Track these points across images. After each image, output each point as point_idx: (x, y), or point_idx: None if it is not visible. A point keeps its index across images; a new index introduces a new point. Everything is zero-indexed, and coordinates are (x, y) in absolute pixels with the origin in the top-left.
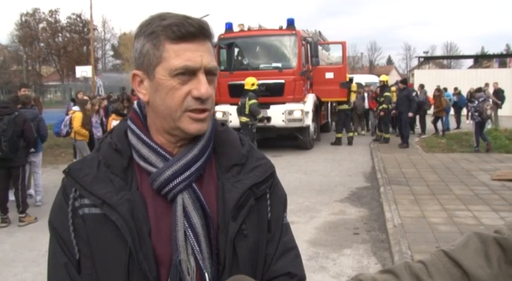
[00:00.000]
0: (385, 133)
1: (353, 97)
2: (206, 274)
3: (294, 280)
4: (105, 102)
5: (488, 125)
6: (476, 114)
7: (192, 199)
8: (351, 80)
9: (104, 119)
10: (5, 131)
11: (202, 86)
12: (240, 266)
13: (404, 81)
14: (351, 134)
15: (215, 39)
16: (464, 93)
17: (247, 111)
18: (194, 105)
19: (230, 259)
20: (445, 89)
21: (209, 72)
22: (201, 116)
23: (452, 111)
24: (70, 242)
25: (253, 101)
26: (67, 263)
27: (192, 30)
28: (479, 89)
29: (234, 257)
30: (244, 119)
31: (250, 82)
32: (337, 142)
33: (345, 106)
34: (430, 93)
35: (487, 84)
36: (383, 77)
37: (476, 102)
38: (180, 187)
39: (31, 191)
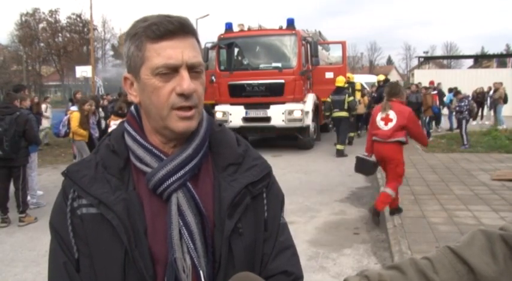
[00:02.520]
0: None
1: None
2: (201, 272)
3: (290, 278)
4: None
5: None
6: (466, 113)
7: (186, 198)
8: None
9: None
10: (6, 130)
11: (184, 82)
12: (236, 264)
13: (386, 80)
14: (351, 134)
15: (197, 34)
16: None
17: (346, 107)
18: (179, 103)
19: (226, 257)
20: (451, 90)
21: (192, 68)
22: (187, 114)
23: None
24: (69, 242)
25: (352, 97)
26: (66, 262)
27: (170, 28)
28: (458, 92)
29: (229, 255)
30: (344, 113)
31: (343, 80)
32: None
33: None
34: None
35: (500, 83)
36: (380, 77)
37: (466, 101)
38: (175, 186)
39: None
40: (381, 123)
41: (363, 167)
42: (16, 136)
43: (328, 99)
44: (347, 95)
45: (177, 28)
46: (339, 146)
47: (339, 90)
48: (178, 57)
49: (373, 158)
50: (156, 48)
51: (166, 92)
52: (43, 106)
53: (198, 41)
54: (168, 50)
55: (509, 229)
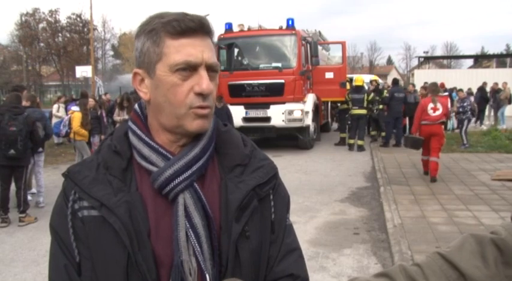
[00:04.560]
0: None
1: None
2: (207, 275)
3: None
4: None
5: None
6: (469, 113)
7: (193, 199)
8: (351, 80)
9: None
10: (21, 130)
11: (203, 81)
12: (242, 267)
13: (395, 80)
14: (343, 135)
15: (215, 38)
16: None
17: (365, 105)
18: (197, 103)
19: (232, 261)
20: (451, 90)
21: (210, 68)
22: (204, 112)
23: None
24: (70, 245)
25: (372, 95)
26: (67, 265)
27: (192, 25)
28: (460, 90)
29: (236, 258)
30: (363, 111)
31: (362, 80)
32: (342, 142)
33: (345, 106)
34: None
35: (505, 83)
36: (373, 77)
37: (468, 101)
38: (181, 187)
39: (33, 190)
40: (430, 111)
41: (413, 143)
42: (26, 136)
43: (347, 98)
44: (366, 94)
45: (198, 27)
46: (359, 142)
47: (359, 89)
48: (199, 56)
49: (419, 136)
50: (176, 45)
51: (185, 91)
52: (55, 106)
53: (213, 42)
54: (188, 48)
55: (500, 232)
